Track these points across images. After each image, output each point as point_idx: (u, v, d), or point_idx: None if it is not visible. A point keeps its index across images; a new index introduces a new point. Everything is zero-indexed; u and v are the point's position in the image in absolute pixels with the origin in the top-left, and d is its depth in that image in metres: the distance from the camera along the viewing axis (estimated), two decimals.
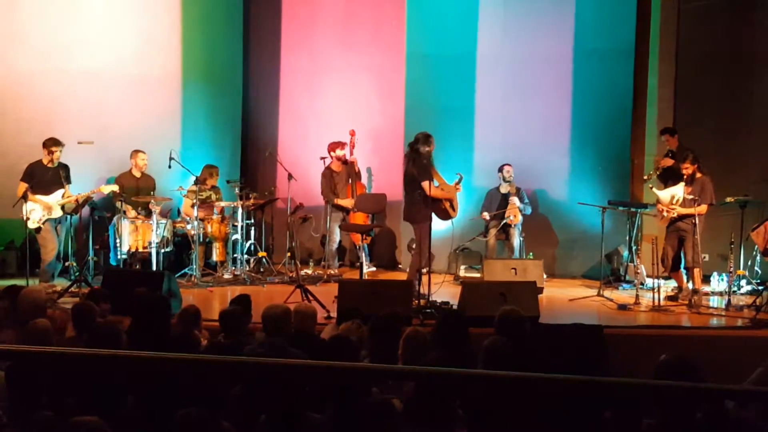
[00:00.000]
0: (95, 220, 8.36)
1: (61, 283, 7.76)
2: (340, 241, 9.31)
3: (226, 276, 8.58)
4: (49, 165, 8.03)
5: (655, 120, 9.35)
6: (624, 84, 9.40)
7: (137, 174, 8.78)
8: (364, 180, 9.67)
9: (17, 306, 5.01)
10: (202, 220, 8.60)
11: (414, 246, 7.81)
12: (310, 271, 9.21)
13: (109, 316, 5.10)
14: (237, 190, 9.04)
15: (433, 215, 7.16)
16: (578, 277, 9.34)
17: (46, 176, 8.00)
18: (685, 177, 7.71)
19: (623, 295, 8.06)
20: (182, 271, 8.37)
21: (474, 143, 9.68)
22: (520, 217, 8.90)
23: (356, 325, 4.89)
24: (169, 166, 8.26)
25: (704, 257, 7.93)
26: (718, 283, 8.23)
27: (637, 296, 7.58)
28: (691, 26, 9.24)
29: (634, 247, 8.59)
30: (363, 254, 8.60)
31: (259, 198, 9.22)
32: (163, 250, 8.32)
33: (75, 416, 3.08)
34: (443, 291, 7.34)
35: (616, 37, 9.37)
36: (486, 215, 9.01)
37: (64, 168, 8.15)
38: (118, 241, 8.22)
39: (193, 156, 9.30)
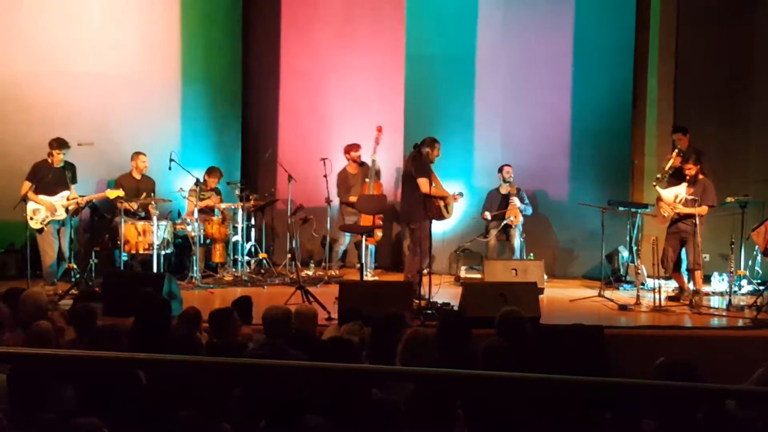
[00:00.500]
0: (96, 221, 8.35)
1: (62, 286, 7.73)
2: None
3: (227, 277, 8.58)
4: (55, 165, 7.89)
5: (655, 120, 9.36)
6: (624, 84, 9.40)
7: (137, 176, 8.77)
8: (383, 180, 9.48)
9: (18, 308, 5.01)
10: (204, 220, 8.60)
11: (411, 246, 7.78)
12: (310, 273, 9.21)
13: (102, 316, 5.10)
14: (237, 192, 9.05)
15: None
16: (579, 277, 9.33)
17: (50, 176, 7.86)
18: (687, 177, 7.70)
19: (624, 295, 8.05)
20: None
21: (474, 144, 9.67)
22: (520, 218, 8.90)
23: (358, 326, 4.89)
24: (170, 168, 8.27)
25: (705, 257, 7.93)
26: (719, 283, 8.23)
27: (637, 297, 7.58)
28: (691, 26, 9.24)
29: (634, 248, 8.58)
30: (369, 256, 8.56)
31: (259, 199, 9.23)
32: (163, 252, 8.33)
33: (76, 418, 3.08)
34: (444, 292, 7.34)
35: (615, 37, 9.37)
36: (487, 215, 9.01)
37: (71, 168, 8.03)
38: (118, 243, 8.21)
39: (193, 157, 9.30)
